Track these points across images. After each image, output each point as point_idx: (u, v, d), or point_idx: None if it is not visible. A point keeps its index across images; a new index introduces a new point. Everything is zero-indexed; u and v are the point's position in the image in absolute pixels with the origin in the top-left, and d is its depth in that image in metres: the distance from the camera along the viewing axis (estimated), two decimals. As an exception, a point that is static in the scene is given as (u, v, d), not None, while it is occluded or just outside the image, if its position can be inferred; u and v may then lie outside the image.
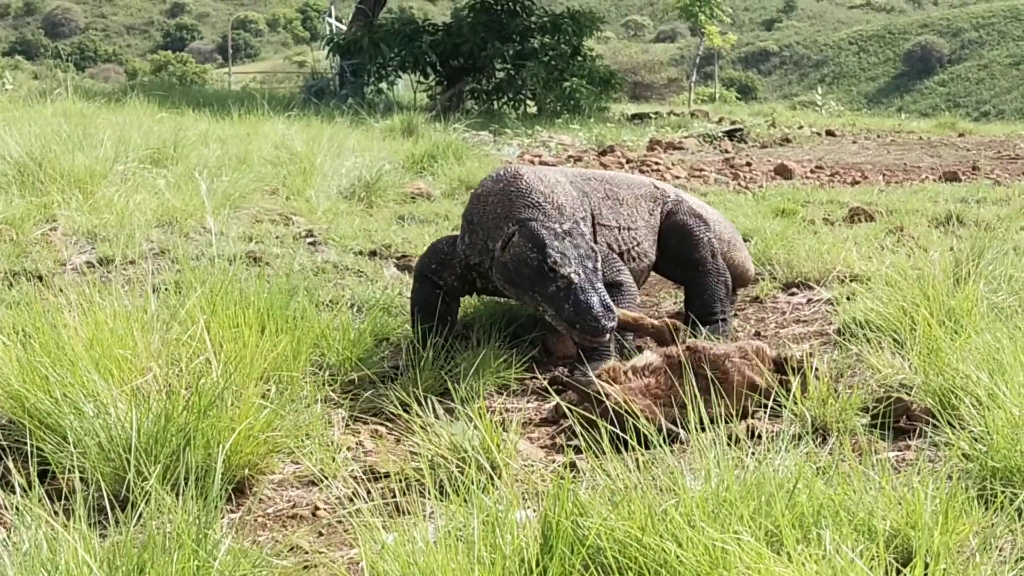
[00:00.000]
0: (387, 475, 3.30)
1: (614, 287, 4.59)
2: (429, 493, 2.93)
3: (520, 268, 4.23)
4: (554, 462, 3.53)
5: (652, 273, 5.37)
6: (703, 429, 3.09)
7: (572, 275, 4.05)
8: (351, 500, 3.02)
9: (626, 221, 5.07)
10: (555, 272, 4.08)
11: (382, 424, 3.66)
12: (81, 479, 2.95)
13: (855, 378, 4.12)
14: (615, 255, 4.85)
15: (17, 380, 3.36)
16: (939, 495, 2.62)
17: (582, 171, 5.35)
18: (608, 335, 4.01)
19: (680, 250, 5.25)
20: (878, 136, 19.98)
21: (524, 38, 23.80)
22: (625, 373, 3.90)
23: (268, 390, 3.70)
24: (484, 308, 5.27)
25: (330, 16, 30.39)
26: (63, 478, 3.12)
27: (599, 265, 4.21)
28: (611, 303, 4.02)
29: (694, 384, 3.57)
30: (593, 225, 4.89)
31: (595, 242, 4.78)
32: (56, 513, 2.61)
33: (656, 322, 4.21)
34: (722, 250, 5.37)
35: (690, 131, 18.92)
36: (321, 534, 3.07)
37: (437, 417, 3.47)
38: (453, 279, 4.77)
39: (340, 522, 3.08)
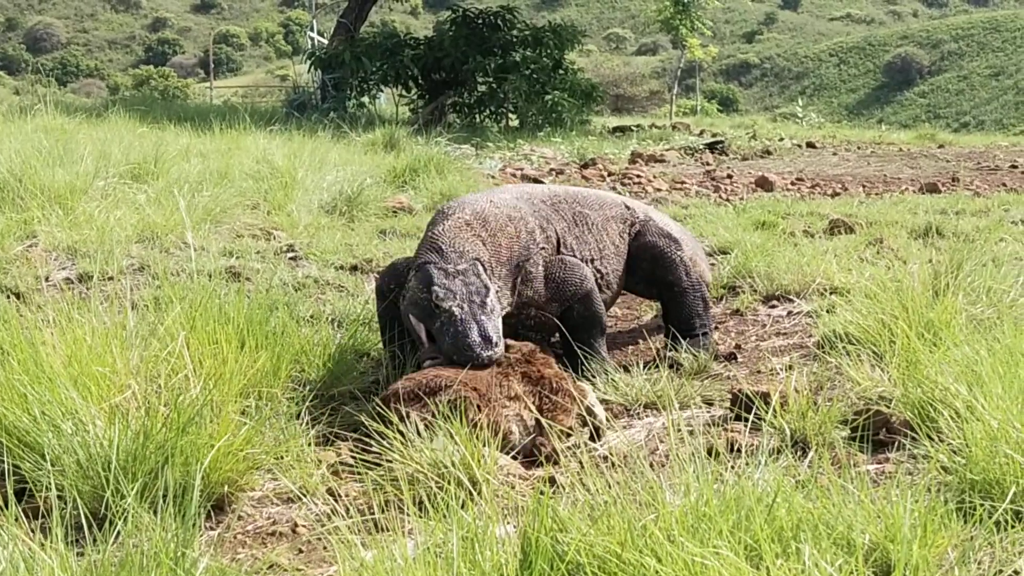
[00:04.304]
0: (366, 491, 3.29)
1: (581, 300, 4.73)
2: (408, 509, 2.92)
3: (411, 311, 4.27)
4: (534, 477, 3.52)
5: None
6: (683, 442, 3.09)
7: (454, 309, 4.08)
8: (330, 517, 3.01)
9: (593, 251, 5.05)
10: (439, 308, 4.10)
11: (362, 439, 3.65)
12: (59, 497, 2.93)
13: (834, 391, 4.13)
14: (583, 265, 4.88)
15: (-6, 398, 3.35)
16: (918, 508, 2.62)
17: (553, 192, 5.29)
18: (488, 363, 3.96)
19: (654, 272, 5.23)
20: (858, 148, 20.06)
21: (506, 52, 23.80)
22: None
23: (248, 406, 3.69)
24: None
25: (312, 30, 30.38)
26: (40, 496, 3.10)
27: (490, 300, 4.19)
28: (496, 335, 4.02)
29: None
30: (559, 251, 4.89)
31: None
32: (33, 531, 2.60)
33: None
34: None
35: (672, 144, 18.97)
36: (300, 551, 3.06)
37: (417, 432, 3.47)
38: None
39: (319, 539, 3.07)
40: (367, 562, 2.54)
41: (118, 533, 2.71)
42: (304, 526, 3.20)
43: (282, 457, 3.51)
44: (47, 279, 5.66)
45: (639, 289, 5.47)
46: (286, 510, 3.33)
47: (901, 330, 4.12)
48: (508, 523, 2.91)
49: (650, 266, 5.23)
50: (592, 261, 5.00)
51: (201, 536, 3.01)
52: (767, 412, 3.67)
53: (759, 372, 4.74)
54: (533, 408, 3.77)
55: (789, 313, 5.56)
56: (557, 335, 4.91)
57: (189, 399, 3.33)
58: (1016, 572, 2.56)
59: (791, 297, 5.73)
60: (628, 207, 5.38)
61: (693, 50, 35.74)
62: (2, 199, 6.89)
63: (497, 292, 4.36)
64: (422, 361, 4.13)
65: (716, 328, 5.47)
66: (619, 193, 11.15)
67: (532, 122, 22.66)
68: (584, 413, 3.82)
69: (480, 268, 4.34)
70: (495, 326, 4.07)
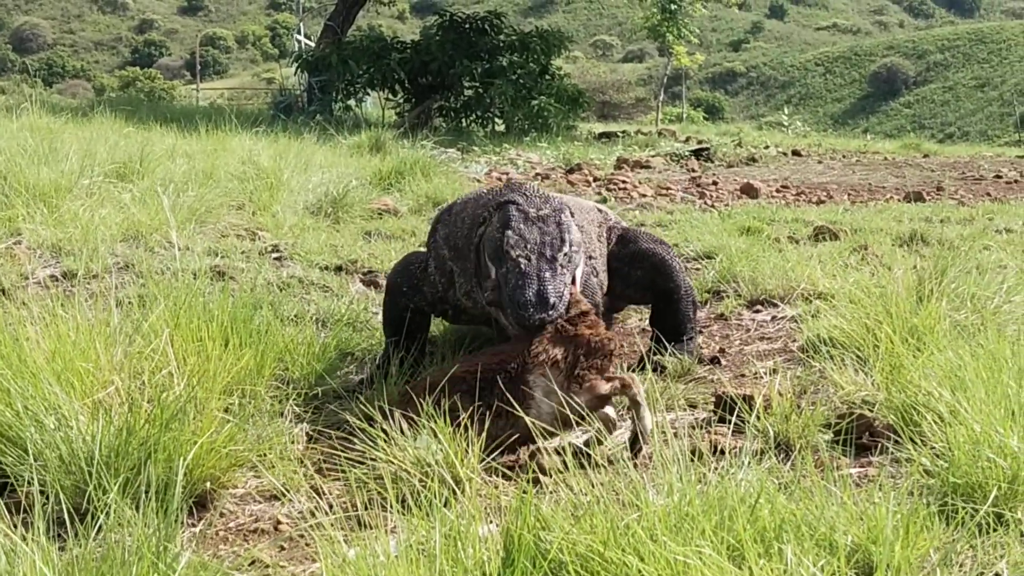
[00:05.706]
0: (349, 489, 3.29)
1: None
2: (391, 507, 2.92)
3: (487, 247, 3.99)
4: (517, 476, 3.52)
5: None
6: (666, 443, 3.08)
7: (520, 259, 3.82)
8: (313, 514, 3.01)
9: (592, 250, 4.98)
10: (507, 254, 3.85)
11: (345, 438, 3.64)
12: (41, 492, 2.93)
13: (818, 395, 4.13)
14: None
15: (-23, 393, 3.33)
16: (900, 510, 2.63)
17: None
18: (541, 328, 3.69)
19: (654, 281, 5.09)
20: (844, 156, 20.11)
21: (492, 56, 23.84)
22: None
23: (231, 404, 3.68)
24: (451, 325, 5.25)
25: (299, 33, 30.44)
26: (22, 491, 3.09)
27: (565, 255, 3.92)
28: (555, 297, 3.72)
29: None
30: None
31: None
32: (15, 526, 2.59)
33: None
34: None
35: (657, 150, 18.97)
36: (283, 548, 3.05)
37: (401, 431, 3.46)
38: (424, 304, 4.68)
39: (302, 536, 3.07)
40: (350, 559, 2.54)
41: (100, 528, 2.70)
42: (287, 523, 3.19)
43: (265, 455, 3.50)
44: (31, 276, 5.65)
45: (629, 294, 5.41)
46: (269, 507, 3.33)
47: (885, 335, 4.13)
48: (491, 522, 2.91)
49: (649, 275, 5.08)
50: (591, 259, 4.94)
51: (183, 532, 3.01)
52: (751, 415, 3.67)
53: (743, 376, 4.74)
54: (563, 366, 3.59)
55: (773, 318, 5.56)
56: None
57: (172, 396, 3.33)
58: (997, 575, 2.57)
59: (775, 302, 5.73)
60: (600, 210, 5.35)
61: (680, 58, 35.81)
62: (-13, 196, 6.87)
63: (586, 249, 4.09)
64: (489, 301, 3.92)
65: (700, 332, 5.46)
66: (604, 199, 11.18)
67: (518, 127, 22.64)
68: (612, 405, 3.73)
69: (564, 218, 4.06)
70: (557, 286, 3.75)
